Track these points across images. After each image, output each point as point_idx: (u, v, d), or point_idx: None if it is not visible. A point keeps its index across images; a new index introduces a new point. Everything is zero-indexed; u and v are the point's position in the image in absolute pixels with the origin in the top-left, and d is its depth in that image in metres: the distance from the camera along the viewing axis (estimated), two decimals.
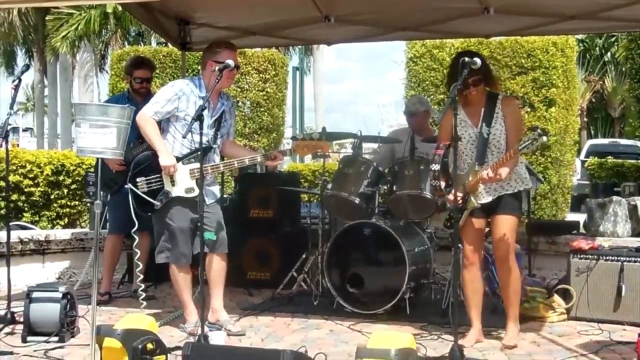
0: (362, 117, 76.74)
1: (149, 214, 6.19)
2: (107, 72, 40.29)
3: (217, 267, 6.25)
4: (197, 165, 5.77)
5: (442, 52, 10.36)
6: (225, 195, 6.67)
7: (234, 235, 6.51)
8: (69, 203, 9.85)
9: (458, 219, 5.30)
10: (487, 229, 5.93)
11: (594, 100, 34.87)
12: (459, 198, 5.39)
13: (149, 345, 4.74)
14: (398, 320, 6.62)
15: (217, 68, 5.75)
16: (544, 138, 5.18)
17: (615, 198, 8.01)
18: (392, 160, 7.63)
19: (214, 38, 8.64)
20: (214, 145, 6.23)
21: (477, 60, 5.22)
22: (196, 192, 5.96)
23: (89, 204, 9.22)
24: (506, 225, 5.67)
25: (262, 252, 8.23)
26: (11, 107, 6.30)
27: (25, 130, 55.33)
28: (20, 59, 40.71)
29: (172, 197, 6.09)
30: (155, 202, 6.07)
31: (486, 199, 5.69)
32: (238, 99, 10.97)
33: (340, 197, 7.06)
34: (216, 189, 6.42)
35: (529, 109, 9.81)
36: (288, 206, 8.42)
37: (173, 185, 6.07)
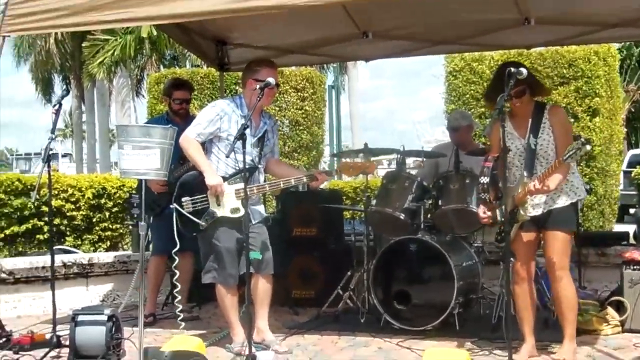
0: (397, 134, 76.71)
1: (194, 234, 6.13)
2: (143, 96, 40.57)
3: (262, 287, 6.18)
4: (242, 185, 5.73)
5: (481, 65, 10.25)
6: (267, 215, 6.58)
7: (277, 254, 6.41)
8: (110, 226, 9.82)
9: (509, 232, 5.17)
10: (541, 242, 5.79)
11: (633, 110, 34.46)
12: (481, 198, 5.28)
13: None
14: (447, 336, 6.49)
15: (258, 87, 5.73)
16: (587, 147, 5.03)
17: None
18: (436, 175, 7.54)
19: (252, 58, 8.63)
20: (259, 165, 6.19)
21: (523, 70, 5.11)
22: (242, 212, 5.88)
23: (130, 227, 9.21)
24: (557, 240, 5.52)
25: (306, 271, 8.14)
26: (52, 132, 6.29)
27: (64, 156, 55.90)
28: (58, 86, 41.08)
29: (217, 218, 6.02)
30: (200, 222, 6.01)
31: (536, 211, 5.55)
32: (277, 117, 10.89)
33: (385, 213, 6.96)
34: (261, 209, 6.37)
35: (572, 120, 9.65)
36: (331, 224, 8.33)
37: (219, 205, 6.01)
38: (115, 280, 8.78)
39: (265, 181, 6.36)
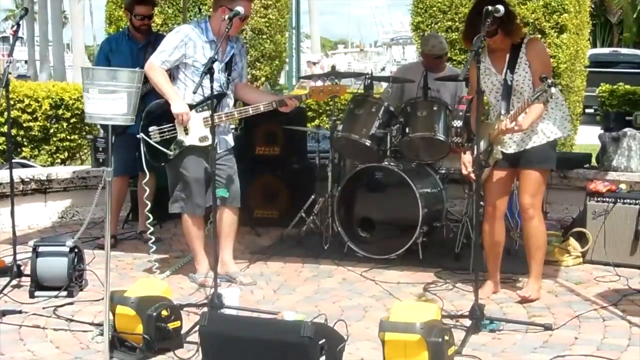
0: (355, 19, 75.65)
1: (162, 164, 6.02)
2: None
3: (228, 220, 6.12)
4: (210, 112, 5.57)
5: None
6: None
7: (239, 173, 6.30)
8: (68, 137, 9.63)
9: (479, 174, 5.09)
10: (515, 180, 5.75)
11: (593, 6, 34.32)
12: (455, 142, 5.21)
13: (164, 312, 4.61)
14: (411, 264, 6.53)
15: (226, 17, 5.49)
16: (552, 89, 4.90)
17: (629, 132, 7.80)
18: (401, 98, 7.43)
19: None
20: (227, 92, 6.03)
21: (500, 7, 4.94)
22: (210, 140, 5.68)
23: (90, 140, 9.03)
24: (530, 179, 5.45)
25: (269, 190, 8.10)
26: (10, 54, 6.07)
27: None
28: None
29: (186, 146, 5.91)
30: (168, 151, 5.89)
31: (512, 148, 5.47)
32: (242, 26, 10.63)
33: (351, 139, 6.85)
34: (229, 138, 6.23)
35: (539, 35, 9.52)
36: (295, 142, 8.24)
37: (187, 134, 5.88)
38: (74, 196, 8.66)
39: (234, 107, 6.21)
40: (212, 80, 5.26)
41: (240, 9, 5.57)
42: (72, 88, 9.71)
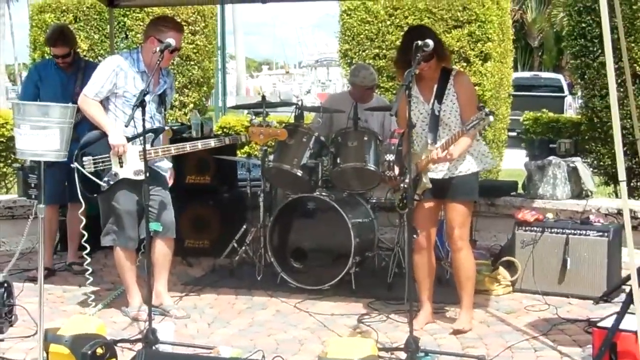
0: (279, 39, 75.90)
1: (95, 195, 5.95)
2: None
3: (162, 251, 6.08)
4: (147, 146, 5.51)
5: (376, 5, 10.10)
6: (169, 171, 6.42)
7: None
8: None
9: (412, 207, 5.14)
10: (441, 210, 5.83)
11: (513, 30, 34.98)
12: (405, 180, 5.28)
13: (99, 350, 4.59)
14: (344, 295, 6.55)
15: (158, 49, 5.48)
16: (491, 118, 5.03)
17: (554, 160, 7.97)
18: (330, 128, 7.47)
19: None
20: (164, 127, 6.06)
21: (430, 42, 5.03)
22: (143, 176, 5.62)
23: (16, 169, 8.85)
24: (458, 211, 5.56)
25: (200, 220, 8.03)
26: None
27: None
28: None
29: (119, 179, 5.85)
30: (102, 183, 5.83)
31: (438, 174, 5.54)
32: None
33: (282, 169, 6.87)
34: (165, 164, 6.17)
35: (464, 64, 9.69)
36: (225, 171, 8.21)
37: (121, 166, 5.83)
38: (1, 226, 8.50)
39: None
40: (144, 113, 5.23)
41: (171, 40, 5.57)
42: None
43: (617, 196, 9.18)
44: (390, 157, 5.23)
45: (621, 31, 6.54)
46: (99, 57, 10.23)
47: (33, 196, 7.09)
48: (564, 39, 12.00)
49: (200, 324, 5.92)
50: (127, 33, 10.27)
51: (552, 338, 5.46)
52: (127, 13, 9.97)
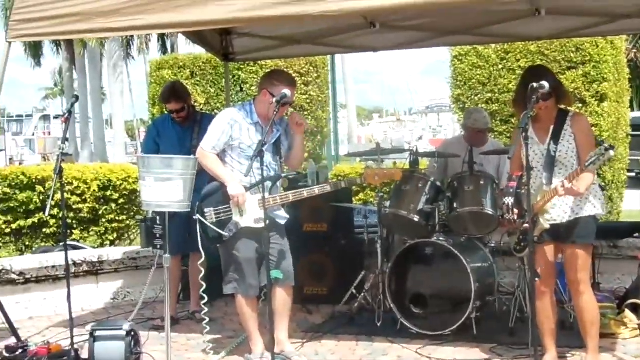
0: (389, 87, 76.45)
1: (218, 245, 6.10)
2: (133, 58, 40.60)
3: (282, 299, 6.17)
4: (266, 194, 5.69)
5: (487, 49, 10.09)
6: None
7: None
8: (117, 218, 9.78)
9: (533, 252, 5.09)
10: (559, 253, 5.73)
11: (628, 69, 34.19)
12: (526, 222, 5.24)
13: None
14: (465, 341, 6.48)
15: (274, 100, 5.70)
16: (611, 152, 4.99)
17: None
18: (445, 173, 7.47)
19: (257, 48, 8.53)
20: (281, 174, 6.18)
21: (545, 83, 5.07)
22: (263, 224, 5.80)
23: (139, 221, 9.13)
24: (578, 255, 5.46)
25: (318, 267, 8.08)
26: (63, 142, 6.20)
27: (55, 117, 55.77)
28: (47, 48, 41.00)
29: (240, 228, 5.98)
30: (224, 232, 5.97)
31: (561, 218, 5.47)
32: None
33: (399, 215, 6.90)
34: (283, 213, 6.29)
35: (580, 105, 9.56)
36: (341, 219, 8.25)
37: (241, 215, 5.96)
38: (125, 277, 8.73)
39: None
40: (262, 163, 5.42)
41: (286, 91, 5.75)
42: (119, 169, 9.88)
43: None
44: (510, 200, 5.20)
45: None
46: (215, 110, 10.51)
47: (158, 246, 7.26)
48: None
49: None
50: (242, 86, 10.53)
51: None
52: (242, 67, 10.23)
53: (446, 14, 7.34)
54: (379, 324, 6.98)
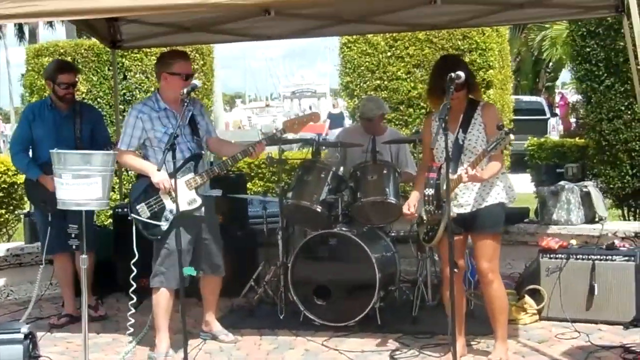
0: (251, 72, 76.16)
1: (159, 236, 5.96)
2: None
3: (211, 286, 6.45)
4: (191, 175, 5.88)
5: (376, 37, 10.07)
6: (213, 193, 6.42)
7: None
8: None
9: (452, 242, 5.05)
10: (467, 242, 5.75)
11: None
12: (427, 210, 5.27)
13: None
14: (370, 331, 6.45)
15: (185, 91, 5.61)
16: (511, 136, 5.06)
17: (567, 185, 7.95)
18: (344, 163, 7.41)
19: (146, 35, 8.24)
20: (202, 152, 6.13)
21: (462, 74, 5.07)
22: (199, 201, 5.94)
23: (22, 216, 8.73)
24: (486, 244, 5.48)
25: None
26: None
27: None
28: None
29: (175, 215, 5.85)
30: (161, 223, 5.88)
31: (464, 209, 5.48)
32: None
33: (301, 205, 6.80)
34: (214, 191, 6.37)
35: None
36: (237, 209, 8.09)
37: (173, 201, 5.81)
38: (8, 275, 8.31)
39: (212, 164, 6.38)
40: (174, 157, 5.36)
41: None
42: None
43: (625, 219, 9.18)
44: (430, 191, 5.18)
45: (631, 54, 6.52)
46: (98, 99, 10.14)
47: (74, 246, 7.00)
48: (541, 63, 12.04)
49: None
50: (126, 74, 10.16)
51: None
52: (125, 54, 9.86)
53: (342, 2, 7.27)
54: (281, 317, 6.87)
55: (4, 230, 9.59)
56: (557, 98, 33.08)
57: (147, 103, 6.11)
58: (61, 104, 7.03)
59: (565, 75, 35.51)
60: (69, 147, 6.81)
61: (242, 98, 76.41)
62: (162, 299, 6.01)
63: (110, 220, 9.15)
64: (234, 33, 8.21)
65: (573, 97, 29.82)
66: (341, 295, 6.64)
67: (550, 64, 33.42)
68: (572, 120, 26.47)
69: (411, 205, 5.61)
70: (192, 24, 7.98)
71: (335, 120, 28.22)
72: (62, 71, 7.08)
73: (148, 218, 5.92)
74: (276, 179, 9.97)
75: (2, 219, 9.39)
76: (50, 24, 44.91)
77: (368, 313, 6.50)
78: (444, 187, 5.24)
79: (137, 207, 5.95)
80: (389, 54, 10.10)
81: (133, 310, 5.99)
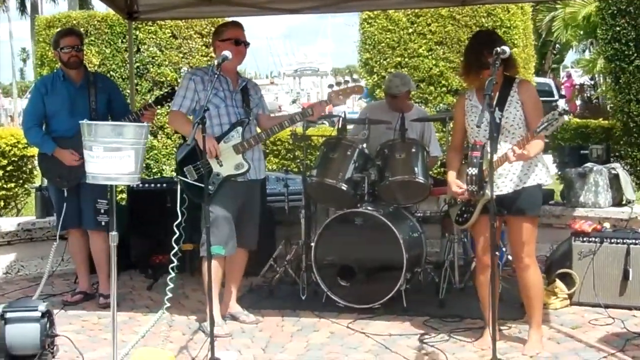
0: (251, 51, 76.00)
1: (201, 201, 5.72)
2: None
3: (238, 263, 6.21)
4: (239, 139, 5.84)
5: (397, 13, 9.84)
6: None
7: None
8: (4, 185, 9.07)
9: (493, 225, 4.81)
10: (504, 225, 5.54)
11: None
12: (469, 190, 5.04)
13: None
14: (396, 314, 6.27)
15: (216, 62, 5.41)
16: (565, 117, 4.85)
17: (595, 167, 7.73)
18: (367, 140, 7.18)
19: (164, 6, 8.01)
20: (250, 118, 6.02)
21: (507, 49, 4.84)
22: (246, 166, 5.88)
23: (34, 190, 8.50)
24: (524, 227, 5.25)
25: None
26: None
27: None
28: None
29: (223, 178, 5.83)
30: (208, 187, 5.63)
31: (507, 189, 5.25)
32: (181, 65, 10.25)
33: (326, 183, 6.57)
34: (262, 166, 6.24)
35: None
36: None
37: (220, 165, 5.81)
38: (19, 250, 8.12)
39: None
40: (204, 130, 5.16)
41: (227, 53, 5.43)
42: (7, 134, 9.15)
43: None
44: (474, 170, 4.95)
45: None
46: (111, 72, 9.93)
47: (103, 223, 6.81)
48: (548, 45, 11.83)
49: (254, 350, 5.58)
50: (140, 46, 9.95)
51: (631, 354, 5.19)
52: (139, 26, 9.65)
53: None
54: (303, 298, 6.67)
55: (13, 204, 9.40)
56: (564, 78, 32.83)
57: (201, 68, 6.31)
58: (70, 71, 6.79)
59: (571, 56, 35.33)
60: (84, 119, 6.60)
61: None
62: (212, 268, 5.74)
63: (122, 195, 8.97)
64: (256, 6, 7.98)
65: (580, 79, 29.68)
66: (366, 277, 6.44)
67: (557, 45, 33.11)
68: (578, 102, 26.33)
69: (460, 184, 5.35)
70: None
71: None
72: (63, 36, 6.86)
73: (195, 181, 5.82)
74: (291, 156, 9.88)
75: (11, 193, 9.20)
76: None
77: (393, 295, 6.30)
78: (484, 166, 5.03)
79: (185, 169, 5.89)
80: (410, 30, 9.89)
81: (172, 275, 5.72)
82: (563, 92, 28.69)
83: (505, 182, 5.23)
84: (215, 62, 5.41)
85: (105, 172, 3.87)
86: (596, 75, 24.44)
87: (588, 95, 26.64)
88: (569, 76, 31.35)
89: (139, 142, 3.90)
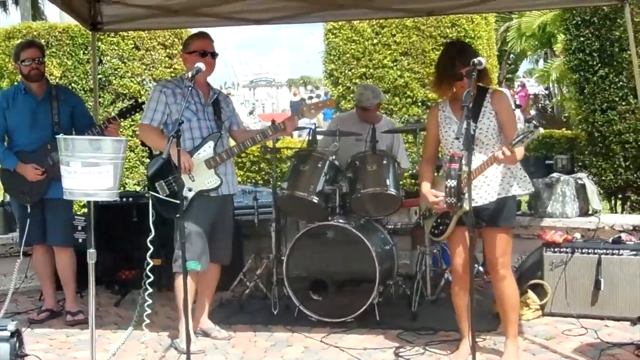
0: None
1: (177, 216, 5.67)
2: None
3: (210, 279, 6.11)
4: (211, 154, 5.79)
5: (362, 23, 9.82)
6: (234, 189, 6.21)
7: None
8: None
9: (472, 237, 4.78)
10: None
11: None
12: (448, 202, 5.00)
13: None
14: (368, 327, 6.23)
15: (190, 74, 5.32)
16: (540, 130, 4.84)
17: (562, 177, 7.76)
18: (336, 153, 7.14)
19: (128, 17, 7.89)
20: (222, 132, 5.94)
21: (483, 60, 4.81)
22: (218, 181, 5.82)
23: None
24: (499, 238, 5.24)
25: None
26: None
27: None
28: None
29: (196, 193, 5.77)
30: (178, 201, 5.59)
31: (477, 202, 5.23)
32: (143, 76, 10.12)
33: (297, 196, 6.51)
34: (233, 180, 6.14)
35: None
36: None
37: (193, 180, 5.73)
38: None
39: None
40: (178, 144, 5.07)
41: (200, 65, 5.40)
42: None
43: (614, 211, 9.05)
44: (452, 182, 4.91)
45: (632, 43, 6.37)
46: (73, 84, 9.77)
47: (80, 240, 6.72)
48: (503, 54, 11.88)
49: None
50: (102, 58, 9.81)
51: None
52: (102, 37, 9.51)
53: None
54: (275, 312, 6.59)
55: None
56: (518, 88, 33.10)
57: (172, 80, 6.20)
58: (32, 84, 6.65)
59: (525, 66, 35.67)
60: (46, 133, 6.53)
61: None
62: (186, 285, 5.68)
63: (85, 210, 8.81)
64: (220, 16, 7.86)
65: (533, 89, 29.95)
66: (338, 290, 6.40)
67: (512, 55, 33.39)
68: (532, 112, 26.56)
69: (437, 193, 5.31)
70: (180, 6, 7.60)
71: (296, 108, 27.93)
72: (24, 48, 6.72)
73: (167, 196, 5.74)
74: (256, 168, 9.82)
75: None
76: (4, 7, 43.71)
77: (366, 309, 6.26)
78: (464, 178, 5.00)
79: (156, 184, 5.80)
80: (375, 41, 9.87)
81: (150, 290, 5.59)
82: (518, 102, 28.90)
83: (480, 193, 5.21)
84: (189, 74, 5.32)
85: (83, 188, 3.78)
86: (551, 85, 24.71)
87: (542, 104, 26.92)
88: (522, 86, 31.56)
89: (118, 157, 3.82)
